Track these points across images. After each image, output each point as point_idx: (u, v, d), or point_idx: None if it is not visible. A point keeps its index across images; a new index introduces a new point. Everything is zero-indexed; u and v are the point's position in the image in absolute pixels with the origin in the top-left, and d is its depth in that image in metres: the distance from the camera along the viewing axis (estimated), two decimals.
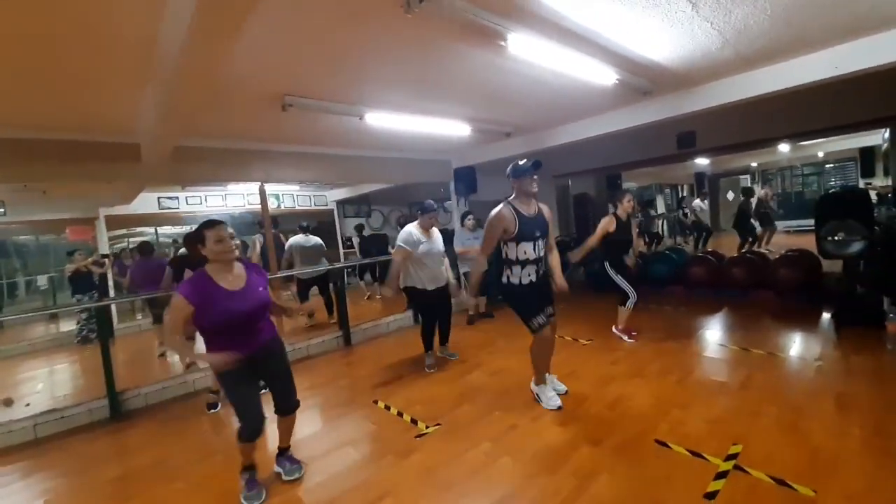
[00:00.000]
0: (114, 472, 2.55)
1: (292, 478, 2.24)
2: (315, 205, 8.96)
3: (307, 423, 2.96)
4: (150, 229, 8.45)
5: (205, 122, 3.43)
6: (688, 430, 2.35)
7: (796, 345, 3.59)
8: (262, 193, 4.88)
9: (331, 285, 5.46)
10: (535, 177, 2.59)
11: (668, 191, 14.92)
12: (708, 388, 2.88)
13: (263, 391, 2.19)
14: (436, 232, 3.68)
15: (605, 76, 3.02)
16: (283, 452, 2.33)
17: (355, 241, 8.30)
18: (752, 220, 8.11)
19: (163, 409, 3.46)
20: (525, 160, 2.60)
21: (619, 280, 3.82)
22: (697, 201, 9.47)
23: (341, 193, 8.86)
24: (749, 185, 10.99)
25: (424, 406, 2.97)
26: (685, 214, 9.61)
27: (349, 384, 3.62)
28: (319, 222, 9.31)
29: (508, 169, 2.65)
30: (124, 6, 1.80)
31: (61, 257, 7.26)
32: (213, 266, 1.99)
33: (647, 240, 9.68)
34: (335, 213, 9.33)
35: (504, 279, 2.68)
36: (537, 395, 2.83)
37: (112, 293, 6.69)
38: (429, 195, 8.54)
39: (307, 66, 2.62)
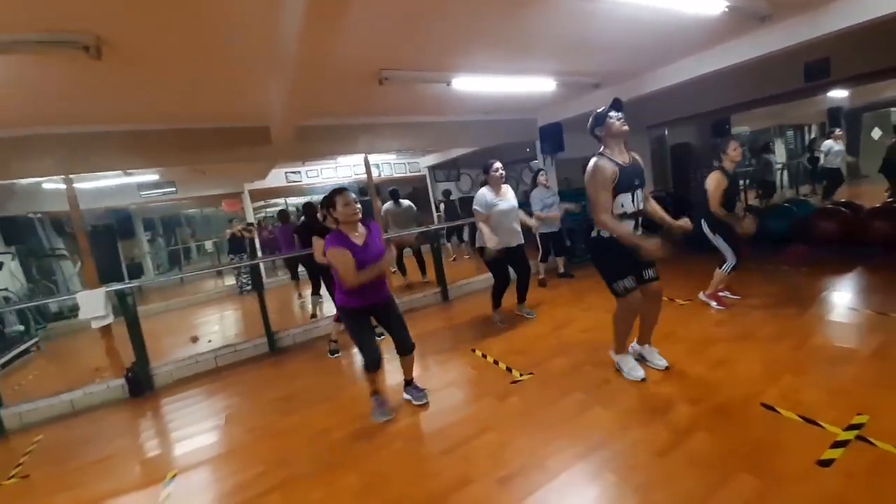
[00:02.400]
0: (277, 393, 3.13)
1: (420, 403, 2.58)
2: (409, 172, 9.28)
3: (416, 366, 3.27)
4: (281, 200, 9.59)
5: (318, 102, 3.67)
6: (802, 396, 2.11)
7: None
8: (367, 164, 5.18)
9: (422, 247, 5.82)
10: (622, 115, 2.27)
11: (789, 132, 12.43)
12: (830, 355, 2.52)
13: (381, 337, 2.48)
14: (508, 190, 3.66)
15: (712, 4, 2.58)
16: (409, 383, 2.67)
17: (441, 206, 8.68)
18: None
19: (307, 348, 4.07)
20: (602, 107, 2.31)
21: (718, 241, 3.33)
22: (830, 142, 7.72)
23: (432, 159, 9.02)
24: None
25: (518, 356, 3.08)
26: (815, 159, 7.95)
27: (450, 335, 3.88)
28: (414, 188, 9.68)
29: (589, 121, 2.35)
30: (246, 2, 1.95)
31: (220, 225, 8.71)
32: (343, 226, 2.33)
33: (759, 191, 8.33)
34: (427, 178, 9.57)
35: (594, 233, 2.38)
36: (618, 364, 2.61)
37: (259, 254, 7.86)
38: (515, 156, 8.32)
39: (399, 38, 2.64)
